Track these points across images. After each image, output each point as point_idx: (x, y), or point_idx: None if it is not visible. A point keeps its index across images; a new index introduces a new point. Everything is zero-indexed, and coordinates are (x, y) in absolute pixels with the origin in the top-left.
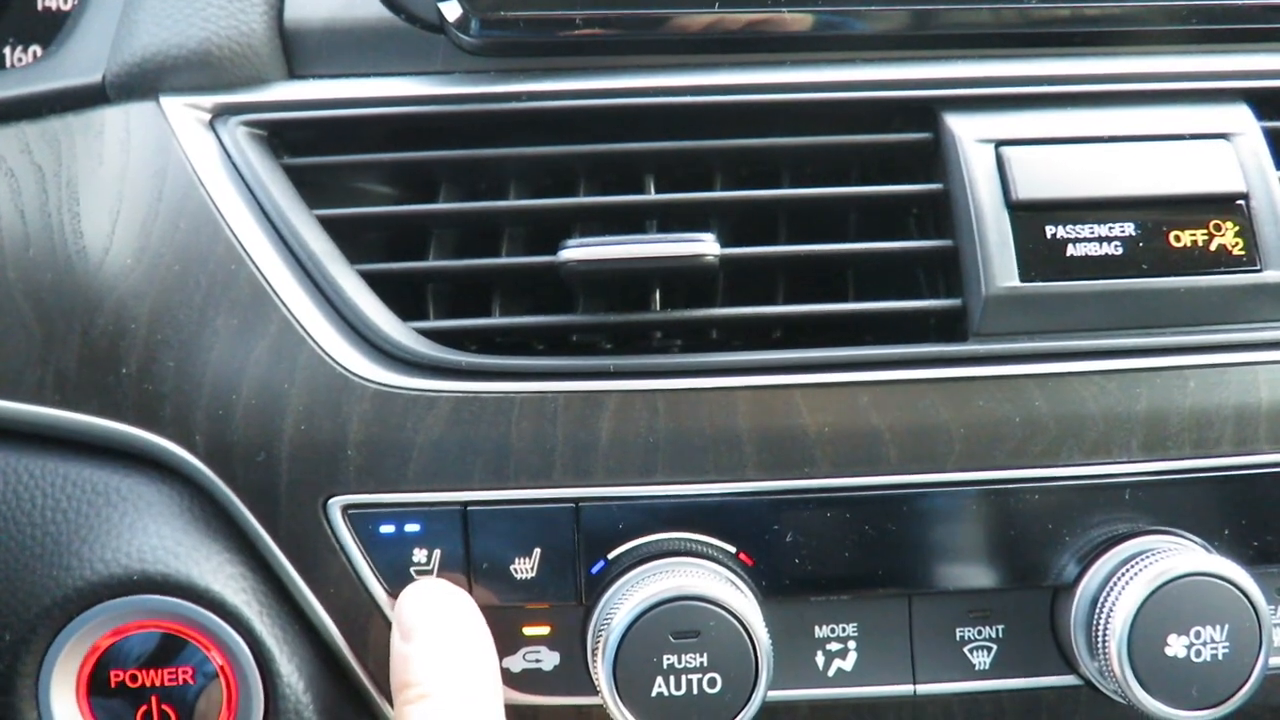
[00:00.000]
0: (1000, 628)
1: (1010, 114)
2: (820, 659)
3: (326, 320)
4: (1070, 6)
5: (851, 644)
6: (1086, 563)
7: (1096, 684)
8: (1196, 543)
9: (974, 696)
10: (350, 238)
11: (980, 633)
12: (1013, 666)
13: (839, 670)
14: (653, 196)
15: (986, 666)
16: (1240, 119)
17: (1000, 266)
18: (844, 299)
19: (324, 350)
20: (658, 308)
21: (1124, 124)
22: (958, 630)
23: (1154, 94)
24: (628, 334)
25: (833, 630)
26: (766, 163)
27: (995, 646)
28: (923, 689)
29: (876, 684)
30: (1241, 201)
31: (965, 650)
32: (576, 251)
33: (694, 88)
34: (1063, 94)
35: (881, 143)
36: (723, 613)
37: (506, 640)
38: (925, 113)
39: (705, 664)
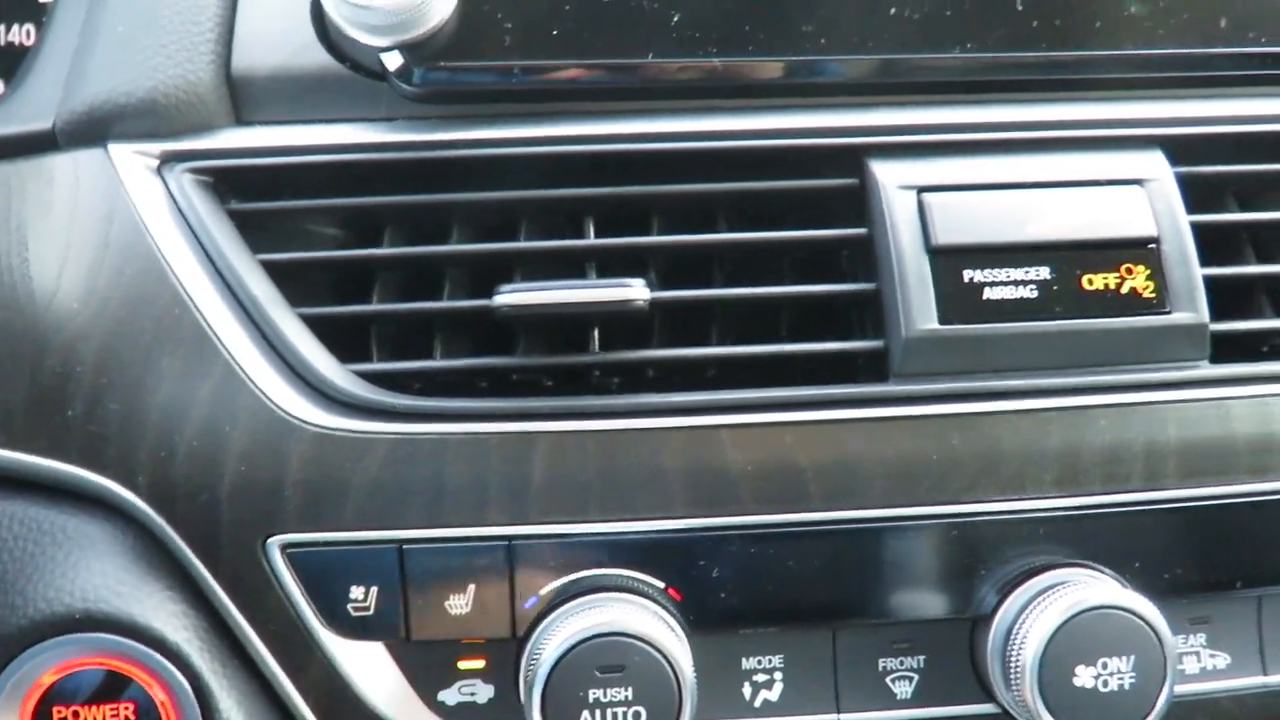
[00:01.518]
0: (922, 658)
1: (933, 161)
2: (747, 690)
3: (267, 363)
4: (993, 58)
5: (778, 675)
6: (1003, 594)
7: (1013, 713)
8: (1109, 575)
9: None
10: (298, 281)
11: (903, 663)
12: (934, 696)
13: (765, 701)
14: (588, 242)
15: (909, 696)
16: (1154, 165)
17: (920, 309)
18: (781, 339)
19: (264, 393)
20: (596, 349)
21: (1041, 170)
22: (881, 661)
23: (1072, 141)
24: (567, 374)
25: (759, 662)
26: (704, 207)
27: (917, 676)
28: (847, 718)
29: (801, 714)
30: (1152, 245)
31: (888, 680)
32: (510, 297)
33: (632, 135)
34: (984, 141)
35: (809, 188)
36: (647, 648)
37: (442, 673)
38: (853, 159)
39: (630, 697)
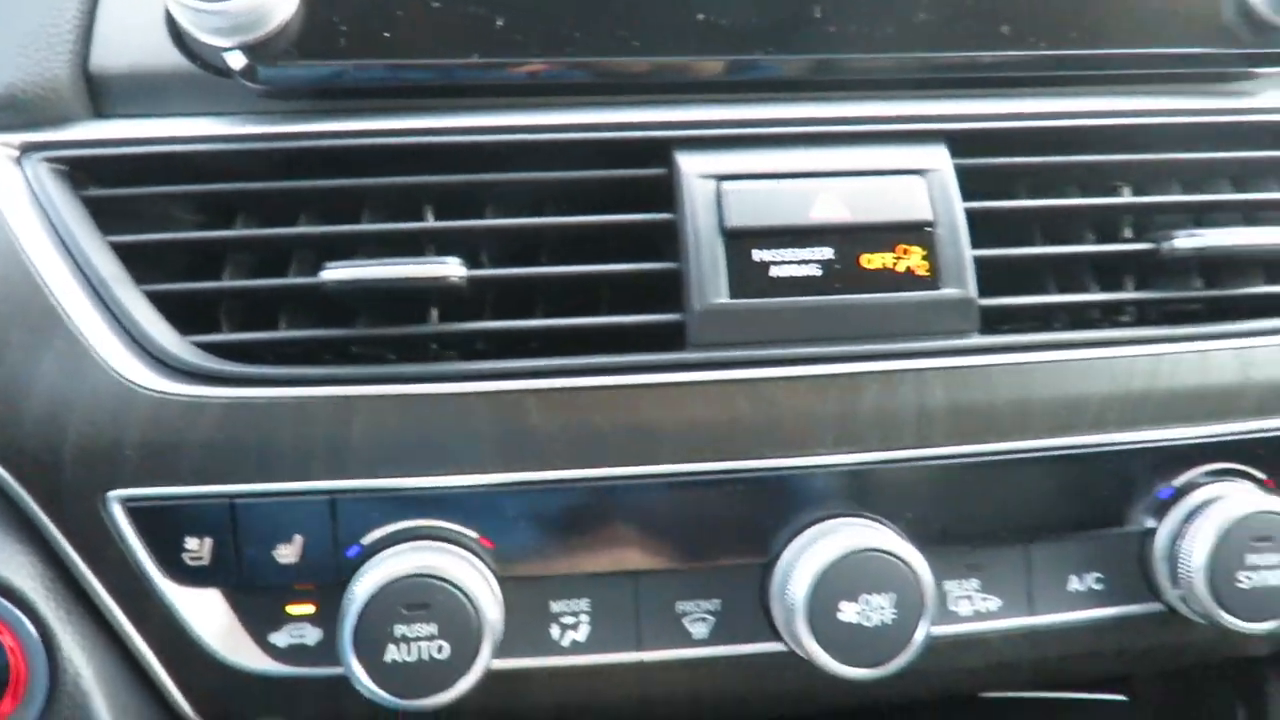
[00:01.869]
0: (717, 601)
1: (735, 153)
2: (555, 631)
3: (112, 334)
4: (794, 59)
5: (584, 617)
6: (785, 542)
7: (793, 648)
8: (886, 526)
9: (693, 662)
10: (153, 263)
11: (699, 606)
12: (728, 635)
13: (572, 641)
14: (415, 225)
15: (705, 636)
16: (936, 157)
17: (712, 285)
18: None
19: (107, 363)
20: (436, 322)
21: (832, 161)
22: (679, 604)
23: (863, 135)
24: (408, 347)
25: (567, 605)
26: (538, 195)
27: (713, 618)
28: (648, 656)
29: (605, 652)
30: (929, 229)
31: (685, 622)
32: (334, 272)
33: (463, 128)
34: (783, 134)
35: (623, 177)
36: (449, 587)
37: (273, 617)
38: (664, 150)
39: (434, 633)
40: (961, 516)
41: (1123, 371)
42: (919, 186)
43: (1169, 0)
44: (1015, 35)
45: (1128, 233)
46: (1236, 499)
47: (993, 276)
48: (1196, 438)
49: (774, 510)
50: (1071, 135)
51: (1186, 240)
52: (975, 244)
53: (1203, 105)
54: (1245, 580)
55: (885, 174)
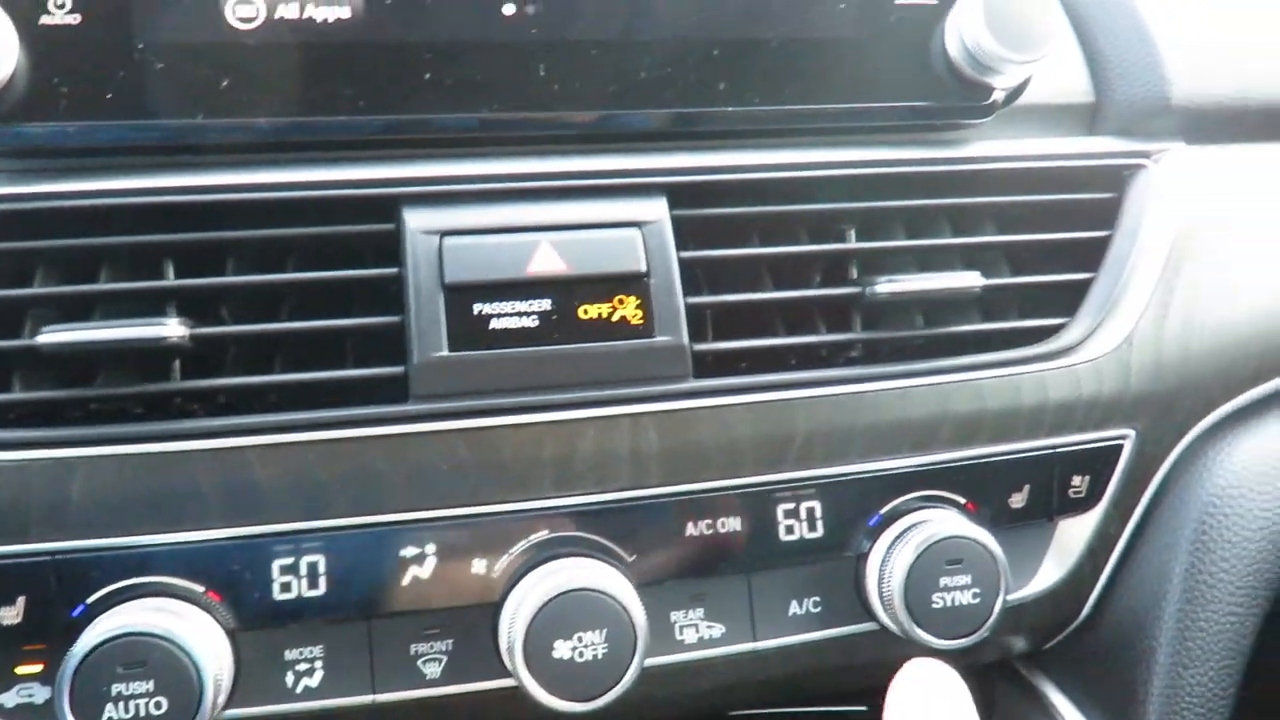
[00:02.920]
0: (450, 641)
1: (459, 208)
2: (290, 679)
3: None
4: (520, 116)
5: (319, 663)
6: (512, 584)
7: (521, 684)
8: (609, 562)
9: (427, 701)
10: None
11: (433, 647)
12: (461, 674)
13: (306, 687)
14: (149, 284)
15: (438, 675)
16: (655, 209)
17: (432, 339)
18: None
19: None
20: (177, 379)
21: (553, 215)
22: (413, 646)
23: (587, 189)
24: (156, 402)
25: (301, 653)
26: (275, 250)
27: (445, 657)
28: (382, 697)
29: (339, 696)
30: (644, 280)
31: (419, 663)
32: (50, 335)
33: (197, 187)
34: (507, 190)
35: (349, 234)
36: (165, 644)
37: (2, 678)
38: (392, 206)
39: (151, 690)
40: (682, 551)
41: (825, 409)
42: (635, 239)
43: (884, 56)
44: (734, 91)
45: (853, 274)
46: (932, 525)
47: (727, 321)
48: (899, 469)
49: (499, 553)
50: (787, 185)
51: (886, 286)
52: (714, 290)
53: (911, 155)
54: (939, 601)
55: (603, 227)
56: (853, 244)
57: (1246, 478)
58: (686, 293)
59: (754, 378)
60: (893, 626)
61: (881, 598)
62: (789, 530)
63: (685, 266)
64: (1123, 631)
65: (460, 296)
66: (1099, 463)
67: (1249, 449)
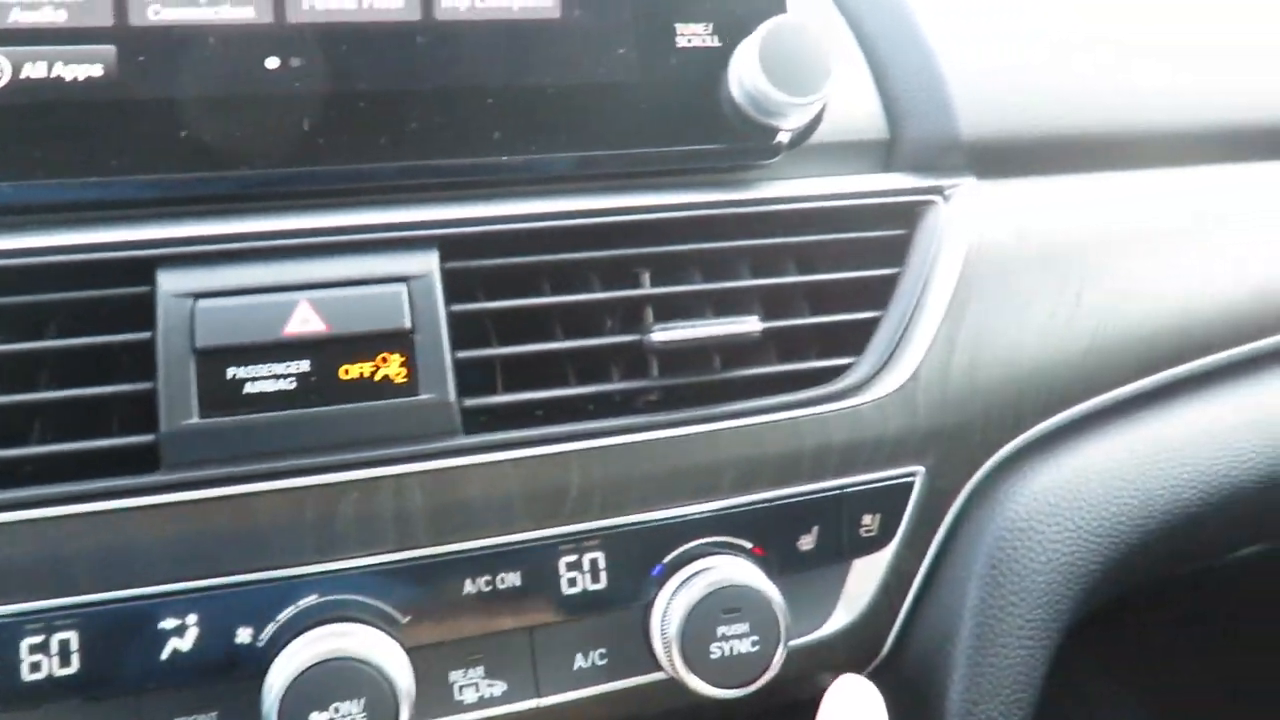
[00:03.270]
0: (214, 714)
1: (216, 269)
2: None
3: None
4: (283, 171)
5: None
6: (275, 653)
7: None
8: (377, 628)
9: None
10: None
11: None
12: None
13: None
14: None
15: None
16: (423, 263)
17: (182, 406)
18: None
19: None
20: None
21: (314, 273)
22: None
23: (353, 244)
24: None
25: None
26: (34, 317)
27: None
28: None
29: None
30: (410, 336)
31: None
32: None
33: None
34: (269, 248)
35: (101, 298)
36: None
37: None
38: (148, 269)
39: None
40: (457, 610)
41: (600, 460)
42: (400, 294)
43: (668, 100)
44: (509, 140)
45: (649, 320)
46: (710, 574)
47: (522, 372)
48: (681, 516)
49: (263, 621)
50: (575, 233)
51: (660, 334)
52: (503, 341)
53: (698, 198)
54: (716, 650)
55: (367, 283)
56: (644, 290)
57: (1037, 511)
58: (466, 346)
59: (524, 432)
60: (675, 676)
61: (663, 647)
62: (571, 583)
63: (473, 319)
64: (921, 668)
65: (212, 360)
66: (889, 501)
67: (1040, 482)
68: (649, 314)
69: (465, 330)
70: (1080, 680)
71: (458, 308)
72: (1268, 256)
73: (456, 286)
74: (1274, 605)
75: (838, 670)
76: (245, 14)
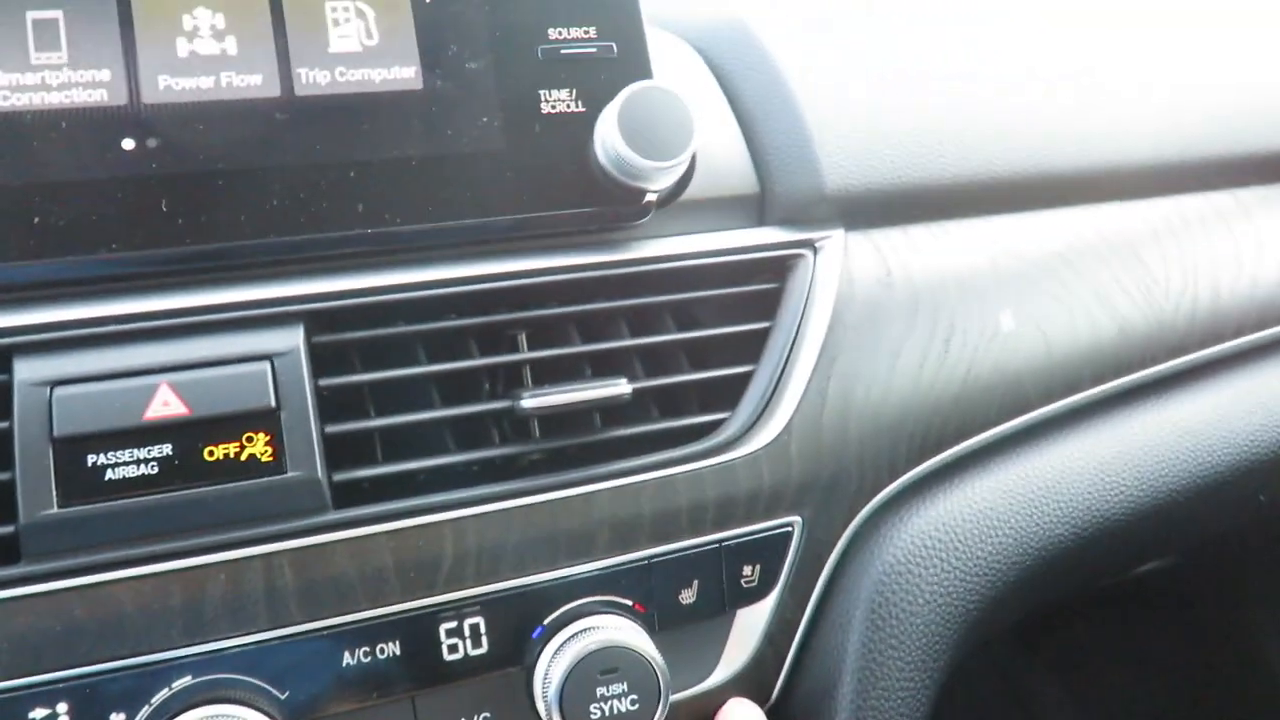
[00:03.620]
0: None
1: (74, 355)
2: None
3: None
4: (139, 254)
5: None
6: None
7: None
8: (253, 708)
9: None
10: None
11: None
12: None
13: None
14: None
15: None
16: (289, 339)
17: (42, 495)
18: None
19: None
20: None
21: (174, 355)
22: None
23: (214, 324)
24: None
25: None
26: None
27: None
28: None
29: None
30: (274, 414)
31: None
32: None
33: None
34: (126, 331)
35: None
36: None
37: None
38: (5, 357)
39: None
40: (337, 681)
41: (473, 527)
42: (264, 372)
43: (536, 166)
44: (373, 212)
45: (528, 383)
46: (588, 635)
47: (403, 442)
48: (559, 578)
49: (133, 707)
50: (445, 301)
51: (529, 400)
52: (383, 411)
53: (570, 261)
54: (596, 711)
55: (229, 363)
56: (520, 354)
57: (914, 554)
58: (342, 418)
59: (393, 505)
60: None
61: (545, 709)
62: (453, 649)
63: (350, 390)
64: (808, 713)
65: (71, 448)
66: (768, 551)
67: (917, 525)
68: (527, 376)
69: (342, 402)
70: (1023, 685)
71: (327, 382)
72: (1127, 294)
73: (327, 360)
74: (1201, 608)
75: None
76: (98, 96)
